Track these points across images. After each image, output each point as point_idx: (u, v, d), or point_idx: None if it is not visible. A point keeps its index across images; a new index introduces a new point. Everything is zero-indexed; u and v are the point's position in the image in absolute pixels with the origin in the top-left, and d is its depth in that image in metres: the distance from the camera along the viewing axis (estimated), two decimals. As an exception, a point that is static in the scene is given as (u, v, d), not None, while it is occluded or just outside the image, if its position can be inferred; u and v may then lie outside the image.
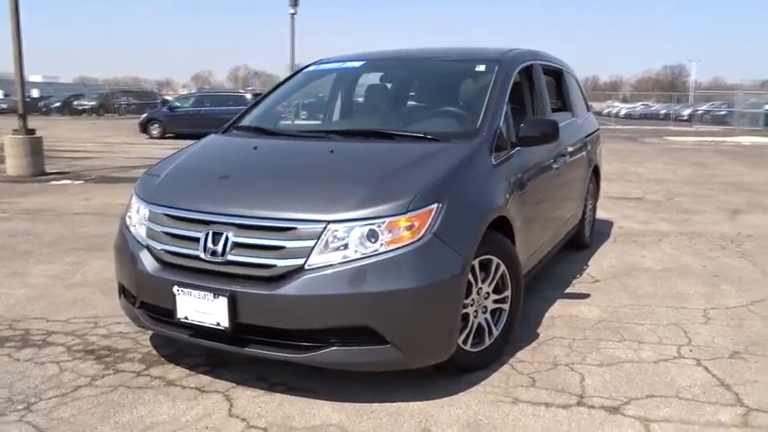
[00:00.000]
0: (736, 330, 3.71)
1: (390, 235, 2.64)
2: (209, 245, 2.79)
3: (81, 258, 5.28)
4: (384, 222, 2.65)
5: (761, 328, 3.74)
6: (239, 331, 2.72)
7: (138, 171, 9.51)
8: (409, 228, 2.66)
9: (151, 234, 3.01)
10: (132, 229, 3.14)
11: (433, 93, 4.07)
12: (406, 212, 2.68)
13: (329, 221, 2.65)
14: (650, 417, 2.69)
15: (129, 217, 3.23)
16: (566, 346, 3.45)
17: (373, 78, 4.30)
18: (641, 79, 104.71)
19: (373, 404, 2.79)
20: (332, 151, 3.27)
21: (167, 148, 14.80)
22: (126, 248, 3.13)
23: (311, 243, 2.64)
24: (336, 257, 2.62)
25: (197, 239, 2.84)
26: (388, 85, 4.25)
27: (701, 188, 10.05)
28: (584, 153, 5.13)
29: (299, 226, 2.68)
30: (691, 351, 3.40)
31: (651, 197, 9.04)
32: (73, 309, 4.04)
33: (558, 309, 4.07)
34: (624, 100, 64.87)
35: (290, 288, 2.61)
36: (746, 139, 22.06)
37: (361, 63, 4.20)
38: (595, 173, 5.69)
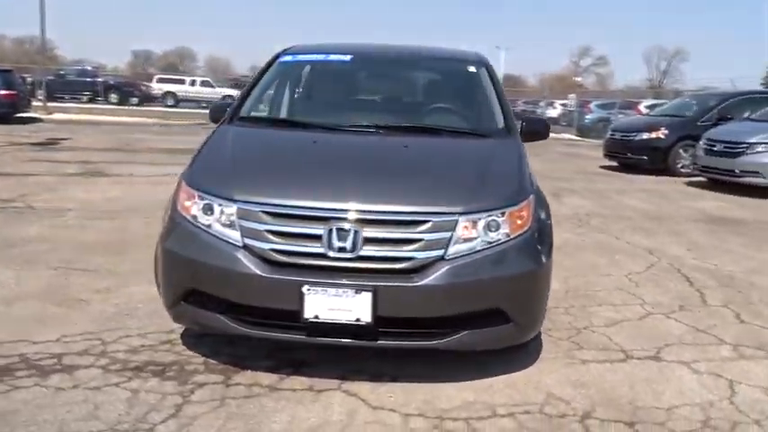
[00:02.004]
0: (663, 290, 4.67)
1: (508, 224, 2.91)
2: (336, 242, 2.75)
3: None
4: (504, 213, 2.90)
5: (682, 289, 4.75)
6: (379, 325, 2.74)
7: None
8: (520, 217, 2.96)
9: (249, 233, 2.82)
10: (213, 229, 2.89)
11: (438, 90, 4.30)
12: (517, 204, 2.97)
13: (461, 213, 2.82)
14: (684, 359, 3.38)
15: (195, 216, 2.95)
16: (569, 314, 4.02)
17: (367, 73, 4.37)
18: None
19: (485, 380, 3.03)
20: (406, 146, 3.36)
21: None
22: (204, 250, 2.87)
23: (447, 235, 2.79)
24: (469, 247, 2.81)
25: (316, 236, 2.77)
26: (390, 82, 4.35)
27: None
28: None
29: (433, 219, 2.80)
30: (652, 308, 4.22)
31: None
32: (47, 327, 3.46)
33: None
34: None
35: (433, 279, 2.73)
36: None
37: (351, 56, 4.23)
38: None
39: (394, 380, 3.00)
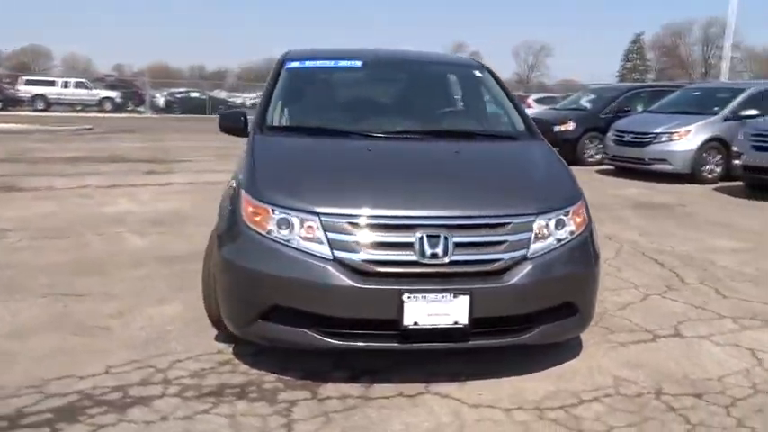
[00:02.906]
0: (643, 272, 5.09)
1: (572, 222, 3.10)
2: (428, 248, 2.81)
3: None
4: (569, 213, 3.09)
5: (659, 271, 5.19)
6: (474, 326, 2.84)
7: None
8: (580, 215, 3.16)
9: (339, 245, 2.81)
10: (295, 243, 2.84)
11: (455, 94, 4.41)
12: (577, 202, 3.18)
13: (536, 214, 2.98)
14: (702, 334, 3.75)
15: (270, 231, 2.89)
16: (580, 301, 4.30)
17: (382, 78, 4.39)
18: (245, 69, 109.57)
19: (551, 370, 3.21)
20: (457, 152, 3.45)
21: None
22: (289, 265, 2.82)
23: (527, 235, 2.94)
24: (545, 246, 2.98)
25: (406, 244, 2.82)
26: (407, 86, 4.38)
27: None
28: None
29: (514, 221, 2.93)
30: (647, 290, 4.61)
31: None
32: (84, 359, 3.23)
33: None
34: (232, 89, 66.72)
35: (520, 277, 2.87)
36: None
37: (361, 62, 4.25)
38: None
39: (470, 378, 3.11)
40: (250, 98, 54.74)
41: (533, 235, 2.95)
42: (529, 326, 2.97)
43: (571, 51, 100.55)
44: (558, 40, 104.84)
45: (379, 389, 2.98)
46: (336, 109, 4.11)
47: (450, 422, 2.70)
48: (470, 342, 2.90)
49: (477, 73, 4.39)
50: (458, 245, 2.84)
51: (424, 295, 2.76)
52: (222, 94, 42.12)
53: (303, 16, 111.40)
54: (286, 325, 2.88)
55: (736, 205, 8.58)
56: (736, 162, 9.33)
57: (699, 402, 2.92)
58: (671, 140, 10.15)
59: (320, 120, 3.83)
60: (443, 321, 2.80)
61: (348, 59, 4.29)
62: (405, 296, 2.75)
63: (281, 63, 4.23)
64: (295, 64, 4.24)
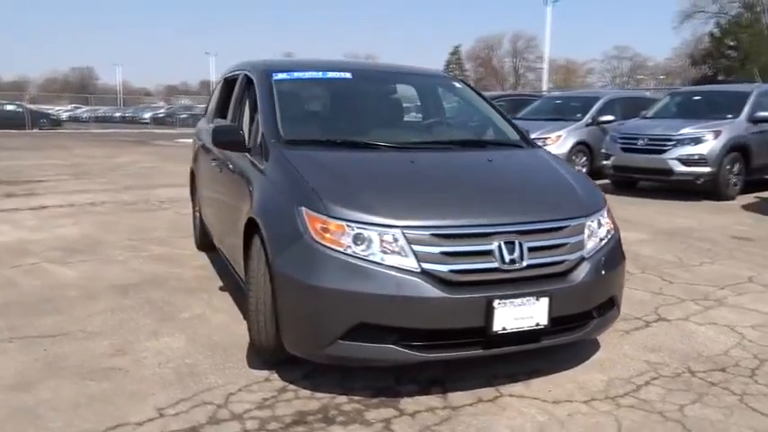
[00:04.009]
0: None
1: (607, 222, 3.36)
2: (507, 254, 2.90)
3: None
4: (603, 214, 3.35)
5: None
6: (554, 325, 2.97)
7: None
8: (610, 215, 3.44)
9: (425, 257, 2.80)
10: (376, 258, 2.78)
11: (449, 105, 4.48)
12: (606, 204, 3.45)
13: (585, 216, 3.20)
14: (680, 317, 4.21)
15: (348, 246, 2.81)
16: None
17: (376, 91, 4.33)
18: (49, 79, 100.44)
19: (592, 361, 3.45)
20: (490, 160, 3.56)
21: None
22: (374, 281, 2.76)
23: (582, 237, 3.14)
24: (594, 246, 3.20)
25: (486, 252, 2.89)
26: (400, 99, 4.37)
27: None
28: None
29: (571, 223, 3.12)
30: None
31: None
32: (123, 405, 2.90)
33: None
34: (33, 101, 61.16)
35: (583, 277, 3.07)
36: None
37: (350, 74, 4.21)
38: None
39: (529, 377, 3.24)
40: (64, 110, 50.63)
41: (585, 236, 3.15)
42: (586, 322, 3.17)
43: (396, 57, 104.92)
44: (384, 49, 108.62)
45: (456, 397, 3.01)
46: (351, 121, 4.04)
47: (547, 420, 2.81)
48: (542, 341, 3.03)
49: (458, 85, 4.55)
50: (531, 249, 2.97)
51: (511, 301, 2.85)
52: (44, 107, 38.37)
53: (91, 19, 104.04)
54: (370, 342, 2.82)
55: (617, 202, 9.59)
56: (605, 162, 10.43)
57: (727, 375, 3.31)
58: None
59: (340, 133, 3.75)
60: (527, 324, 2.90)
61: (332, 71, 4.23)
62: (495, 303, 2.81)
63: (268, 75, 4.06)
64: (282, 75, 4.09)
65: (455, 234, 2.88)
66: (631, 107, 12.20)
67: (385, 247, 2.82)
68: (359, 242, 2.82)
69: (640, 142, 9.97)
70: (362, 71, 4.42)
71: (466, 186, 3.29)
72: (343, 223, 2.85)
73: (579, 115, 11.95)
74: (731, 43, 40.06)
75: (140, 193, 9.82)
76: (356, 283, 2.78)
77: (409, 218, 2.87)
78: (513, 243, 2.93)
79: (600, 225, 3.28)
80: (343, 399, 2.98)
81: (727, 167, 9.62)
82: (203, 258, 5.67)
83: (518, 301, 2.86)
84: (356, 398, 2.99)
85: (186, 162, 7.02)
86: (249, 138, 3.81)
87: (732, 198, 9.70)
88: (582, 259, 3.10)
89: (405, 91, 4.47)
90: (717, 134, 9.59)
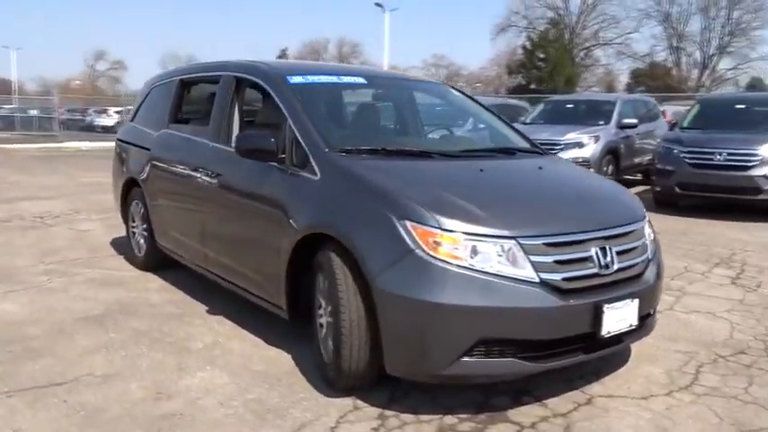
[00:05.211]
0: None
1: (650, 226, 3.57)
2: (603, 260, 2.97)
3: None
4: (647, 218, 3.56)
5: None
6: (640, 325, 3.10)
7: None
8: (649, 220, 3.66)
9: (541, 267, 2.78)
10: (494, 269, 2.71)
11: (465, 112, 4.42)
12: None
13: (642, 219, 3.38)
14: (668, 308, 4.58)
15: (463, 259, 2.71)
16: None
17: (392, 97, 4.16)
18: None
19: (626, 360, 3.64)
20: (540, 168, 3.59)
21: None
22: (497, 294, 2.69)
23: (645, 239, 3.32)
24: (652, 247, 3.39)
25: (585, 259, 2.94)
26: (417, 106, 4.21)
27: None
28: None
29: (637, 227, 3.28)
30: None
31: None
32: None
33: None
34: None
35: (653, 276, 3.25)
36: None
37: (362, 78, 4.03)
38: None
39: (599, 377, 3.34)
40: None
41: (644, 239, 3.33)
42: (645, 322, 3.34)
43: (219, 57, 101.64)
44: (204, 50, 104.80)
45: (554, 404, 3.03)
46: (390, 129, 3.87)
47: (652, 417, 2.92)
48: (625, 342, 3.15)
49: (456, 93, 4.56)
50: (618, 253, 3.07)
51: (615, 304, 2.93)
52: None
53: None
54: (492, 357, 2.74)
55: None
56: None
57: (750, 357, 3.67)
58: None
59: (386, 141, 3.60)
60: (623, 326, 3.00)
61: (344, 75, 4.06)
62: (605, 307, 2.87)
63: (281, 77, 3.77)
64: (298, 79, 3.83)
65: (563, 242, 2.90)
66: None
67: (501, 259, 2.75)
68: (475, 255, 2.73)
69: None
70: (374, 77, 4.28)
71: (550, 194, 3.35)
72: (459, 236, 2.74)
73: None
74: (541, 56, 44.04)
75: (3, 208, 8.45)
76: (477, 298, 2.68)
77: (522, 228, 2.83)
78: (605, 248, 3.01)
79: (649, 227, 3.48)
80: (452, 419, 2.87)
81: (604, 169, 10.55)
82: (157, 279, 5.10)
83: (619, 304, 2.95)
84: (462, 416, 2.89)
85: (33, 172, 6.21)
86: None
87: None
88: (649, 261, 3.27)
89: (421, 99, 4.40)
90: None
